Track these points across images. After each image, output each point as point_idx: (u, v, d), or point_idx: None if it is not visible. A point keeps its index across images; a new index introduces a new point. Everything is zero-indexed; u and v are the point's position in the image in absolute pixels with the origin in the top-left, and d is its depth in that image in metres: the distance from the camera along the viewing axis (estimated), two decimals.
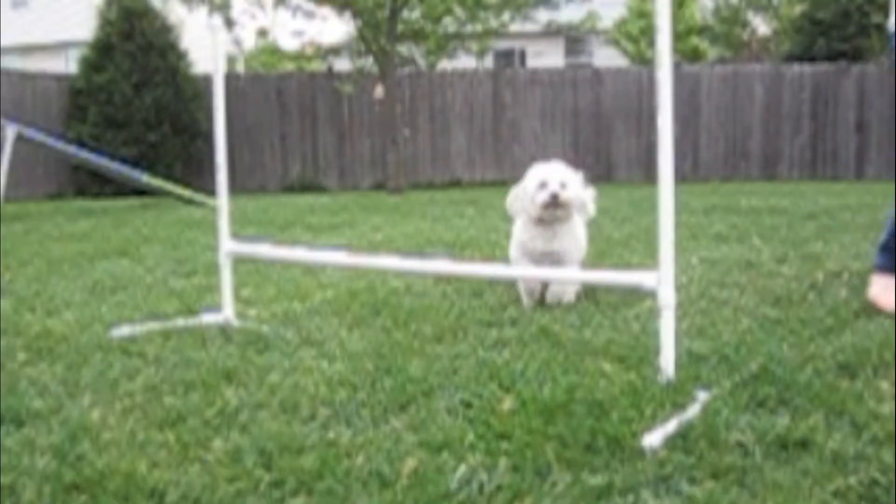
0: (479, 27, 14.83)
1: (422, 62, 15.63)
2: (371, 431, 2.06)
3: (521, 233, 3.56)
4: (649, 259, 3.87)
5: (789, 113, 15.22)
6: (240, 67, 24.13)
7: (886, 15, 15.47)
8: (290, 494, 1.74)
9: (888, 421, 2.02)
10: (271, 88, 15.13)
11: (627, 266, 4.30)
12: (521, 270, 3.56)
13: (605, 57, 22.56)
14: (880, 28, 15.93)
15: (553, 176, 3.39)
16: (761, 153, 15.32)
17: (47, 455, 1.94)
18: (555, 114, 15.35)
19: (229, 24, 13.89)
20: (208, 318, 3.29)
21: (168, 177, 11.56)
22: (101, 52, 13.69)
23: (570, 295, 3.50)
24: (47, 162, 13.13)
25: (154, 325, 3.21)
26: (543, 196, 3.35)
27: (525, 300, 3.52)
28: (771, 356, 2.59)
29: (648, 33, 18.91)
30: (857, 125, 15.05)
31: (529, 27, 15.62)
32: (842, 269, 4.21)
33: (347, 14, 13.56)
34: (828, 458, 1.83)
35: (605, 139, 15.37)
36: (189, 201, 10.02)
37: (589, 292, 3.67)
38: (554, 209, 3.37)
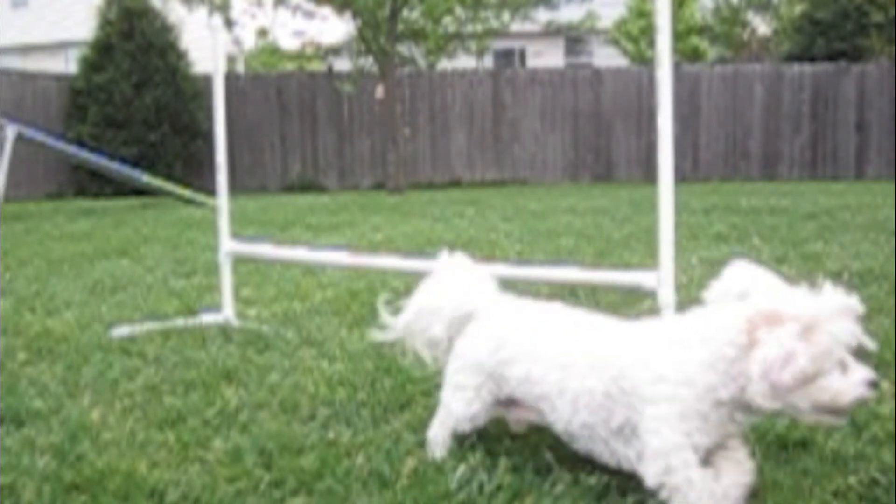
0: (479, 27, 14.84)
1: (422, 62, 15.63)
2: (371, 431, 2.06)
3: (685, 423, 1.58)
4: (649, 259, 3.86)
5: (789, 113, 15.21)
6: (240, 67, 24.12)
7: (886, 14, 15.47)
8: (290, 494, 1.74)
9: (888, 421, 2.02)
10: (271, 88, 15.13)
11: (627, 266, 4.30)
12: None
13: (605, 57, 22.54)
14: (880, 28, 15.92)
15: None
16: (761, 153, 15.32)
17: (47, 455, 1.94)
18: (555, 114, 15.35)
19: (229, 24, 13.92)
20: (208, 318, 3.29)
21: (168, 177, 11.57)
22: (101, 52, 13.70)
23: None
24: (47, 162, 13.13)
25: (154, 325, 3.21)
26: (856, 392, 1.55)
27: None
28: None
29: (648, 33, 18.89)
30: (857, 125, 15.05)
31: (529, 27, 15.63)
32: (842, 269, 4.21)
33: (347, 14, 13.57)
34: (828, 458, 1.84)
35: (605, 139, 15.37)
36: (189, 201, 10.01)
37: (589, 292, 3.67)
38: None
